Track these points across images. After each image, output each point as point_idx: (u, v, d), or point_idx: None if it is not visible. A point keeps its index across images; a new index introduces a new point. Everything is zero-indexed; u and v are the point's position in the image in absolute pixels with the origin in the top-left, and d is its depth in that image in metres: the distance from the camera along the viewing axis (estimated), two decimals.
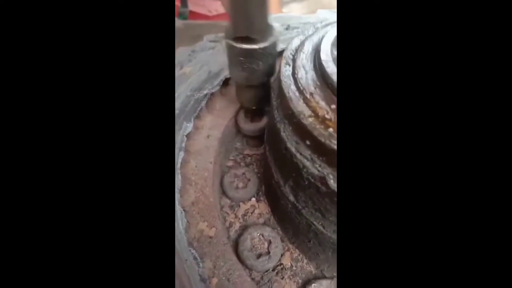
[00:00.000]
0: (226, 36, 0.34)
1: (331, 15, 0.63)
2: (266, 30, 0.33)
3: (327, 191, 0.25)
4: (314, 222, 0.30)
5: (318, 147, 0.25)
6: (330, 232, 0.29)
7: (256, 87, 0.40)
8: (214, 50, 0.55)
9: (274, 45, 0.35)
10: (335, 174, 0.24)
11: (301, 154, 0.27)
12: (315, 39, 0.33)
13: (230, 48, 0.34)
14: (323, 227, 0.29)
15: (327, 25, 0.37)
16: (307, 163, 0.26)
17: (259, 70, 0.36)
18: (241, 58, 0.34)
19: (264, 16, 0.32)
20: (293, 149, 0.27)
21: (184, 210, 0.37)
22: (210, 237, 0.35)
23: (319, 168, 0.25)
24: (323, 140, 0.24)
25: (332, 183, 0.24)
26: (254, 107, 0.44)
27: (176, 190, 0.37)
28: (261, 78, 0.38)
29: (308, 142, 0.25)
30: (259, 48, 0.33)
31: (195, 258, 0.30)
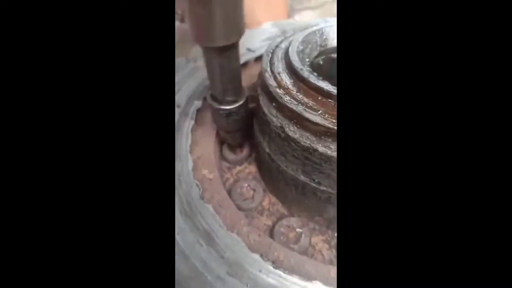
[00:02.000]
0: (209, 98, 0.43)
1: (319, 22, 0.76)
2: (239, 93, 0.42)
3: (284, 136, 0.38)
4: (280, 164, 0.42)
5: (280, 107, 0.38)
6: (290, 170, 0.41)
7: (236, 131, 0.49)
8: None
9: (245, 102, 0.44)
10: (290, 123, 0.37)
11: (270, 113, 0.40)
12: (290, 39, 0.46)
13: (213, 107, 0.44)
14: (286, 167, 0.42)
15: (304, 29, 0.50)
16: (274, 119, 0.39)
17: (236, 121, 0.46)
18: (222, 114, 0.44)
19: (237, 83, 0.40)
20: (266, 111, 0.40)
21: (192, 161, 0.50)
22: (210, 179, 0.48)
23: (280, 121, 0.38)
24: (281, 101, 0.37)
25: (287, 130, 0.37)
26: (235, 144, 0.55)
27: (188, 148, 0.50)
28: (239, 126, 0.47)
29: (274, 104, 0.38)
30: (234, 107, 0.43)
31: (197, 185, 0.44)
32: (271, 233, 0.47)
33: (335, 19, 0.50)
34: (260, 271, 0.36)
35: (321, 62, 0.48)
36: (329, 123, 0.33)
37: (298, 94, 0.36)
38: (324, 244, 0.47)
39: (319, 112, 0.34)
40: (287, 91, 0.37)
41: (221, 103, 0.43)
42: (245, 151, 0.57)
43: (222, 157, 0.58)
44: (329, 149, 0.34)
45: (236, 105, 0.43)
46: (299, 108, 0.35)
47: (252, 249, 0.38)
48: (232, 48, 0.34)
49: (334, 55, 0.48)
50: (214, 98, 0.43)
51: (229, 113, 0.44)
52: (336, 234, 0.48)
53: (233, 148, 0.56)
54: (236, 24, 0.31)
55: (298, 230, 0.46)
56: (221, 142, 0.58)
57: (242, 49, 0.70)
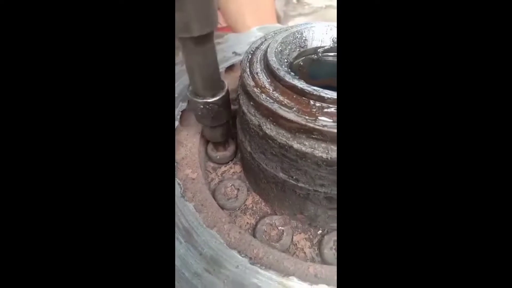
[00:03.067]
0: (190, 93, 0.44)
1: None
2: (219, 86, 0.43)
3: (262, 134, 0.39)
4: (261, 162, 0.43)
5: (257, 106, 0.39)
6: (269, 168, 0.42)
7: (219, 126, 0.49)
8: None
9: (227, 94, 0.45)
10: (267, 121, 0.38)
11: (249, 112, 0.40)
12: (270, 40, 0.48)
13: (194, 102, 0.44)
14: (266, 165, 0.42)
15: (284, 30, 0.51)
16: (252, 118, 0.40)
17: (218, 115, 0.46)
18: (204, 108, 0.44)
19: (217, 76, 0.41)
20: (246, 110, 0.41)
21: (176, 162, 0.51)
22: (193, 179, 0.48)
23: (258, 119, 0.39)
24: (258, 99, 0.37)
25: (265, 128, 0.38)
26: (220, 141, 0.55)
27: None
28: (221, 120, 0.47)
29: (252, 103, 0.39)
30: (217, 100, 0.43)
31: (178, 184, 0.44)
32: (254, 231, 0.47)
33: (318, 22, 0.51)
34: (237, 267, 0.36)
35: (302, 63, 0.50)
36: (302, 119, 0.33)
37: (274, 92, 0.37)
38: (306, 242, 0.47)
39: (293, 110, 0.35)
40: (263, 90, 0.38)
41: (201, 97, 0.43)
42: (230, 149, 0.58)
43: (207, 157, 0.59)
44: (304, 145, 0.35)
45: (217, 97, 0.43)
46: (274, 106, 0.36)
47: (232, 246, 0.38)
48: (207, 38, 0.35)
49: (314, 56, 0.49)
50: (194, 92, 0.44)
51: (210, 106, 0.44)
52: (318, 232, 0.48)
53: (217, 146, 0.57)
54: (209, 16, 0.33)
55: (280, 228, 0.47)
56: (206, 142, 0.59)
57: (228, 52, 0.72)
